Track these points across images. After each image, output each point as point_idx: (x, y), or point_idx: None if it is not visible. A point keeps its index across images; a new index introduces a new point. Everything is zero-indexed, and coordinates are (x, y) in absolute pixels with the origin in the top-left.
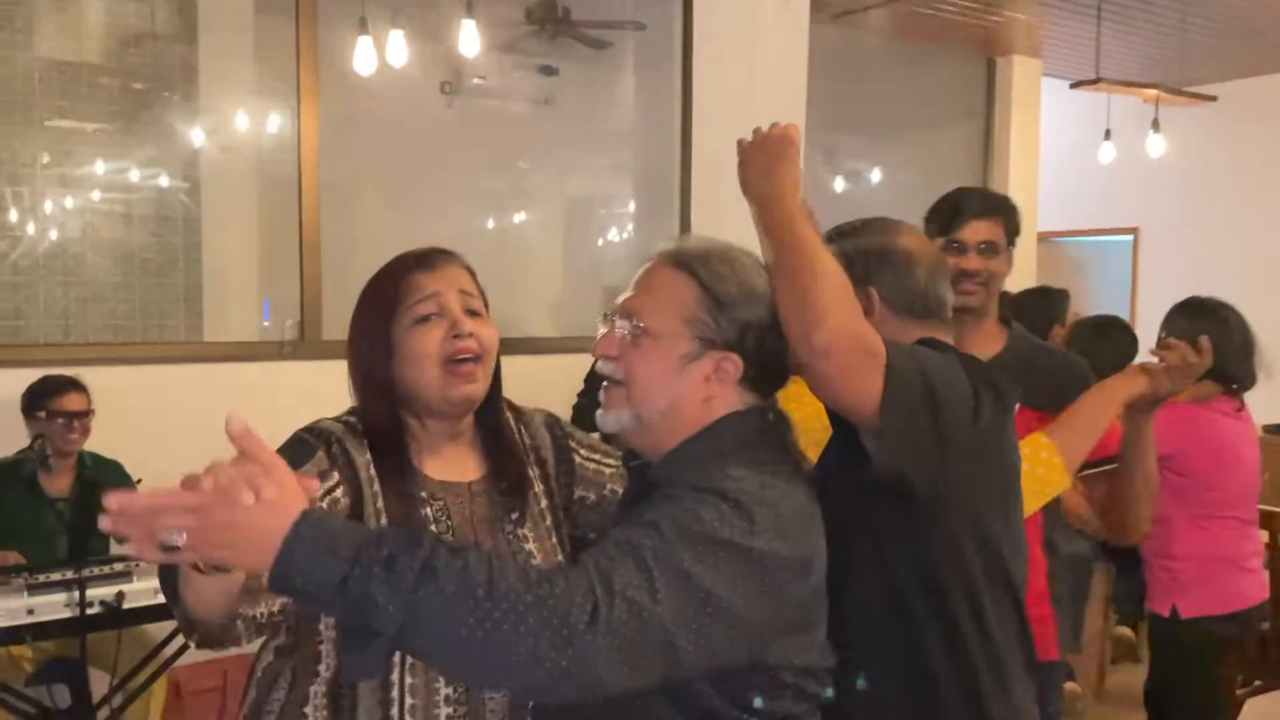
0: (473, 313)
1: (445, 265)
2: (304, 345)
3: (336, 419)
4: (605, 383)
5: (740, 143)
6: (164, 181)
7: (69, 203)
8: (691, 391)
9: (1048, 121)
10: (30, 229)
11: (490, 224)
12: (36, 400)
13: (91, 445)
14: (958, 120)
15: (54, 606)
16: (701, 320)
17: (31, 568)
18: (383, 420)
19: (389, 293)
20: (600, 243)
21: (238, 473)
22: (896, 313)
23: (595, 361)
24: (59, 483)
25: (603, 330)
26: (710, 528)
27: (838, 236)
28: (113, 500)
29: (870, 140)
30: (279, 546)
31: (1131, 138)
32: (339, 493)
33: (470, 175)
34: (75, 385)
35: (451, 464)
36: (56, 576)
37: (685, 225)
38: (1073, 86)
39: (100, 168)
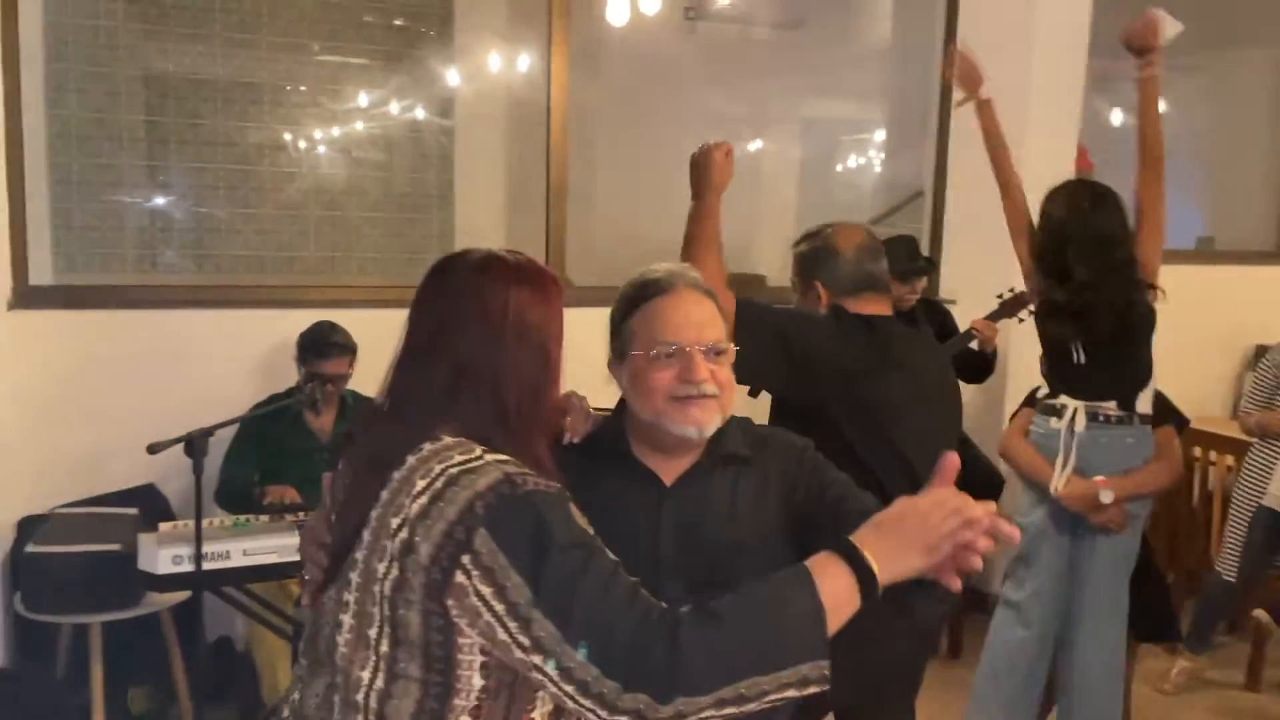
0: None
1: None
2: None
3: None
4: (698, 398)
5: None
6: (422, 121)
7: (336, 140)
8: None
9: None
10: (301, 166)
11: None
12: (304, 355)
13: (354, 384)
14: (1262, 41)
15: None
16: (727, 330)
17: (303, 506)
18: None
19: None
20: (839, 169)
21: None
22: (837, 295)
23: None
24: (323, 421)
25: (669, 360)
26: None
27: (794, 245)
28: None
29: None
30: None
31: None
32: None
33: (710, 101)
34: (341, 349)
35: None
36: None
37: (942, 156)
38: None
39: (364, 105)
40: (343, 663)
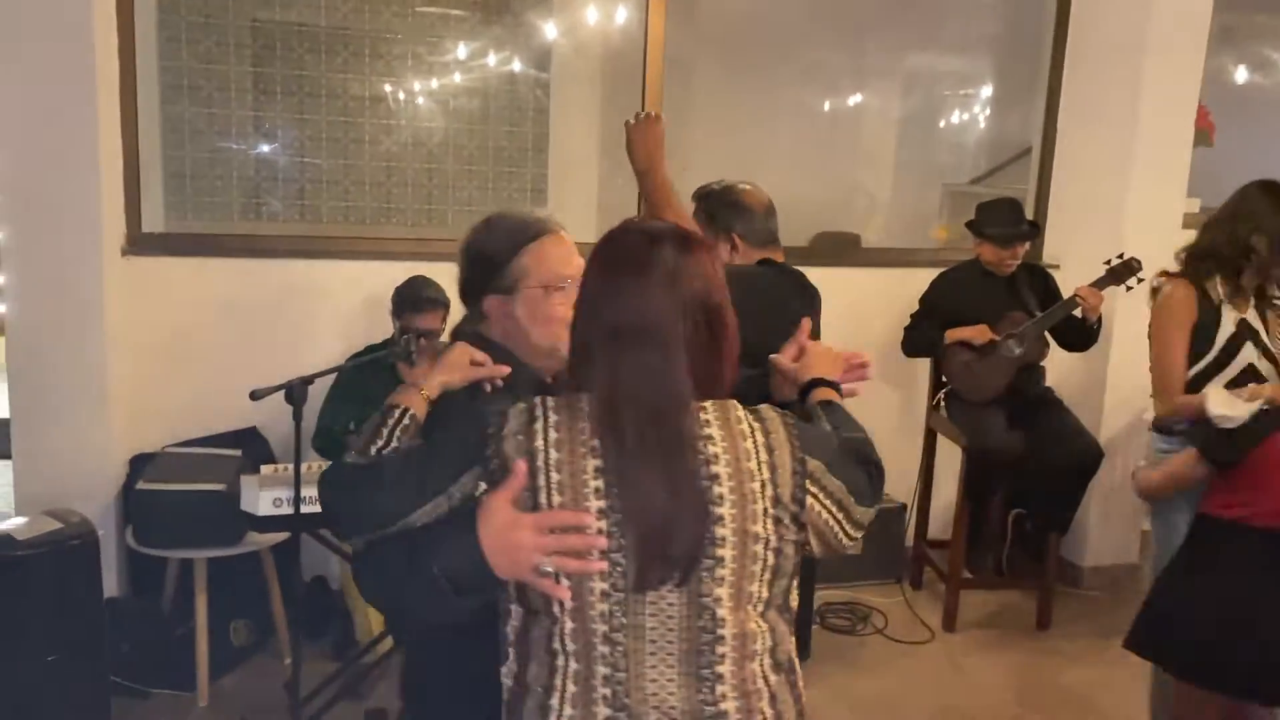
0: None
1: None
2: None
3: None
4: None
5: (627, 123)
6: (518, 74)
7: (434, 92)
8: None
9: None
10: (399, 117)
11: (826, 106)
12: (398, 308)
13: (446, 337)
14: None
15: None
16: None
17: None
18: None
19: None
20: (941, 125)
21: None
22: (751, 246)
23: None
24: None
25: (566, 292)
26: None
27: (701, 198)
28: None
29: None
30: None
31: None
32: None
33: (809, 54)
34: (434, 304)
35: None
36: None
37: (1052, 112)
38: None
39: (462, 57)
40: (731, 629)
